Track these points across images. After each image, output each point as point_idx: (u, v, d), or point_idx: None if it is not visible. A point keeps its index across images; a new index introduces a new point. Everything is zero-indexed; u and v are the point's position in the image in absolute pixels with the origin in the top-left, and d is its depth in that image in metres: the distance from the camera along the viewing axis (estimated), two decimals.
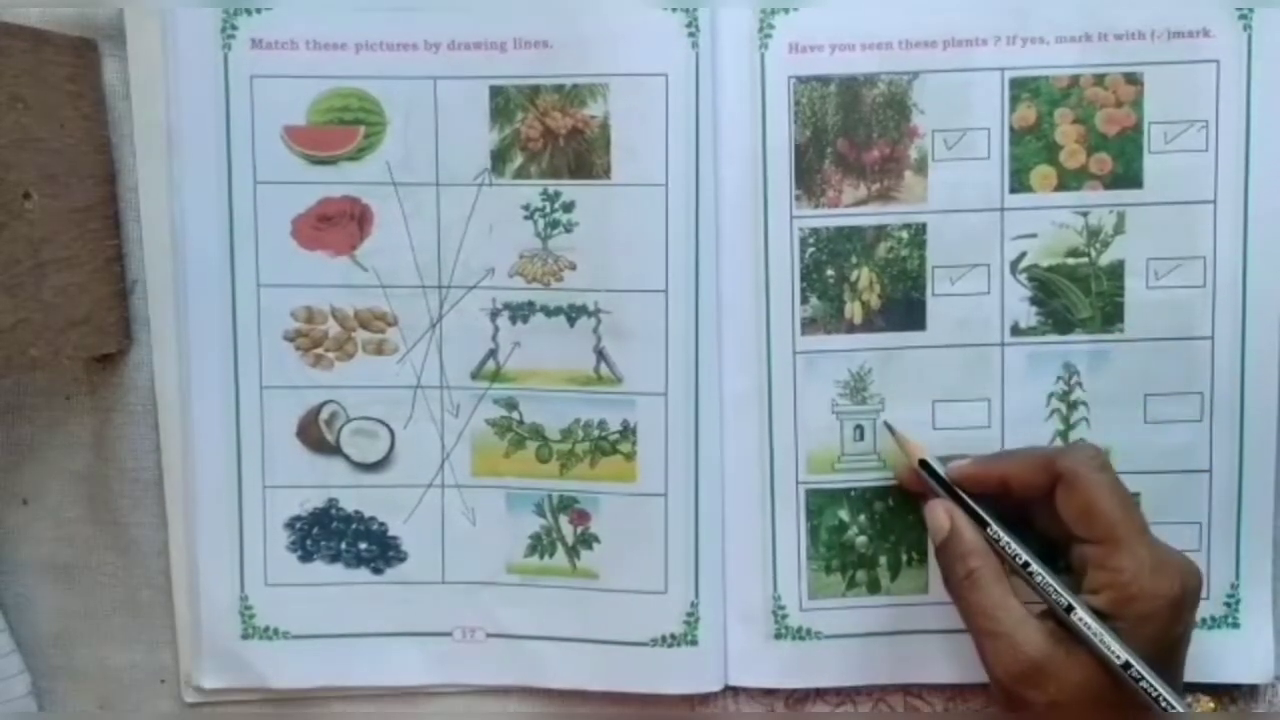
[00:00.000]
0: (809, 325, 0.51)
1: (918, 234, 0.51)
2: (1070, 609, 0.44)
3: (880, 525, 0.52)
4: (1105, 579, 0.45)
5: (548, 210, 0.51)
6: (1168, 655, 0.45)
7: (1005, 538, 0.46)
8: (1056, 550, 0.47)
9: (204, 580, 0.53)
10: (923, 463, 0.49)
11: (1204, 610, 0.51)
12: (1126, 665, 0.43)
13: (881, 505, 0.52)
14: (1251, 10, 0.49)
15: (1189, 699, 0.46)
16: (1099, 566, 0.45)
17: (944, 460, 0.49)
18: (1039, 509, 0.47)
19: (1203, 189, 0.50)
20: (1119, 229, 0.50)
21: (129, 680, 0.55)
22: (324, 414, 0.53)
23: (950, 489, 0.48)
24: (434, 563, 0.53)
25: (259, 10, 0.50)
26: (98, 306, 0.51)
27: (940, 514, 0.47)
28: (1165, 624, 0.44)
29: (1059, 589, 0.45)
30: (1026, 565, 0.46)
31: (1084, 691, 0.44)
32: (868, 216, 0.51)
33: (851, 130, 0.51)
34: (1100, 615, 0.44)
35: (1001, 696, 0.45)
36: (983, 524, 0.47)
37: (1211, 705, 0.46)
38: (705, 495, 0.52)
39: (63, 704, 0.55)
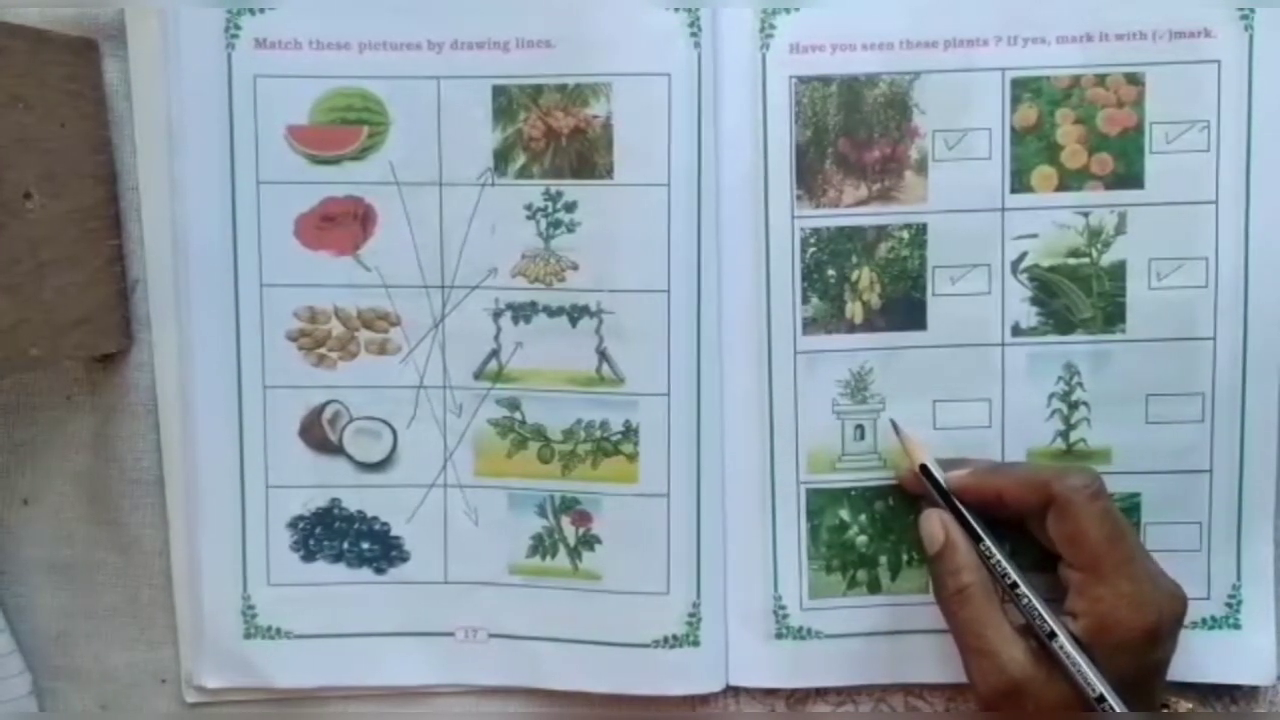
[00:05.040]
0: (810, 325, 0.51)
1: (918, 234, 0.51)
2: (1052, 635, 0.45)
3: (880, 525, 0.52)
4: (1084, 606, 0.45)
5: (550, 210, 0.51)
6: (1146, 679, 0.46)
7: (997, 555, 0.47)
8: (1048, 559, 0.48)
9: (206, 580, 0.53)
10: (924, 468, 0.49)
11: (1205, 611, 0.51)
12: (1100, 699, 0.44)
13: (882, 505, 0.52)
14: (1253, 10, 0.49)
15: (1171, 700, 0.46)
16: (1079, 593, 0.46)
17: (945, 465, 0.49)
18: (1034, 520, 0.48)
19: (1204, 189, 0.50)
20: (1120, 229, 0.50)
21: (130, 680, 0.55)
22: (327, 414, 0.53)
23: (948, 498, 0.48)
24: (436, 563, 0.53)
25: (262, 10, 0.50)
26: (99, 306, 0.51)
27: (936, 525, 0.48)
28: (1141, 653, 0.45)
29: (1044, 614, 0.45)
30: (1015, 586, 0.46)
31: (1061, 710, 0.44)
32: (868, 216, 0.51)
33: (852, 130, 0.51)
34: (1077, 642, 0.45)
35: (982, 706, 0.46)
36: (976, 538, 0.47)
37: (1189, 707, 0.47)
38: (707, 496, 0.52)
39: (63, 704, 0.55)
